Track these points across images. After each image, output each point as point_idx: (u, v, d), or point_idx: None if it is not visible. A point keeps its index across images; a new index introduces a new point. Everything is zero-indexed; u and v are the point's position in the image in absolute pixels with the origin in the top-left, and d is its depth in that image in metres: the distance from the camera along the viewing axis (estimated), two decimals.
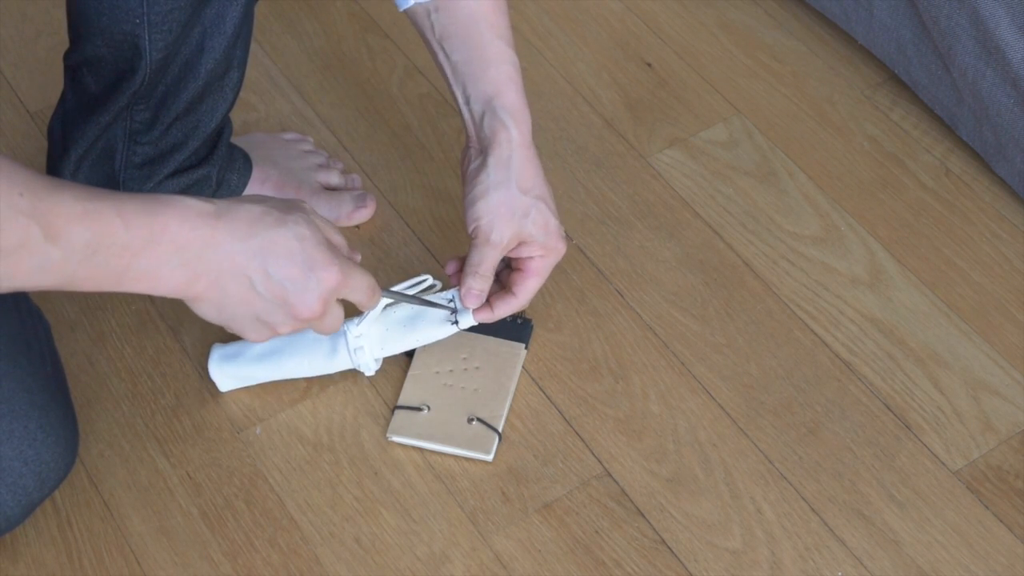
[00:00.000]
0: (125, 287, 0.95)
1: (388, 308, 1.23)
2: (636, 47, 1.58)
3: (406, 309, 1.23)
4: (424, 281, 1.24)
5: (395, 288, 1.22)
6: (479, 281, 1.19)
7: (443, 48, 1.18)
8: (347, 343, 1.22)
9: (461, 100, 1.19)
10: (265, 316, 1.03)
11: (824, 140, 1.48)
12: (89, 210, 0.90)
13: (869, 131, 1.49)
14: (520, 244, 1.19)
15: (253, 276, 1.00)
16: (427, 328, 1.23)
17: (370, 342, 1.23)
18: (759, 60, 1.57)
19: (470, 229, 1.19)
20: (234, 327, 1.04)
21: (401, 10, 1.19)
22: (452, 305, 1.22)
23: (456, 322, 1.23)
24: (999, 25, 1.32)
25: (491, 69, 1.17)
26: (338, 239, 1.07)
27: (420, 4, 1.17)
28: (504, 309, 1.21)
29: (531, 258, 1.20)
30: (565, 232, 1.39)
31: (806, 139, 1.48)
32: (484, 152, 1.18)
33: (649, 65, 1.57)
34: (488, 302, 1.21)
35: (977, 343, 1.30)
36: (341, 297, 1.06)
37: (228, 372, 1.25)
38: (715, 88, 1.54)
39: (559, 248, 1.20)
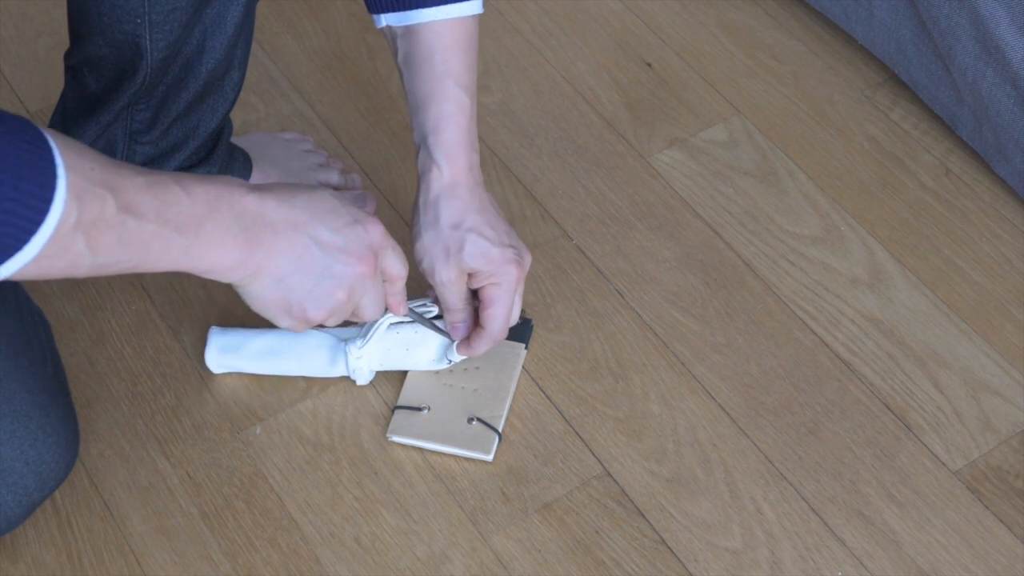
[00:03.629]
0: (194, 262, 0.95)
1: (392, 328, 1.23)
2: (636, 47, 1.58)
3: (408, 333, 1.23)
4: (424, 304, 1.24)
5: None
6: (453, 315, 1.21)
7: (403, 74, 1.19)
8: (347, 362, 1.23)
9: (412, 129, 1.20)
10: (326, 275, 1.03)
11: (824, 140, 1.48)
12: (151, 181, 0.91)
13: (869, 131, 1.49)
14: (470, 276, 1.19)
15: (308, 231, 1.01)
16: (423, 358, 1.24)
17: (369, 359, 1.24)
18: (759, 60, 1.57)
19: (419, 270, 1.20)
20: (292, 301, 1.03)
21: (377, 27, 1.19)
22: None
23: (450, 360, 1.24)
24: (999, 25, 1.32)
25: (432, 105, 1.17)
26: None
27: (389, 27, 1.18)
28: (481, 343, 1.22)
29: (484, 288, 1.20)
30: (568, 233, 1.40)
31: (806, 139, 1.48)
32: (417, 191, 1.19)
33: (649, 65, 1.57)
34: (468, 338, 1.22)
35: (977, 343, 1.30)
36: (383, 259, 1.07)
37: (224, 363, 1.26)
38: (715, 88, 1.54)
39: (510, 272, 1.19)
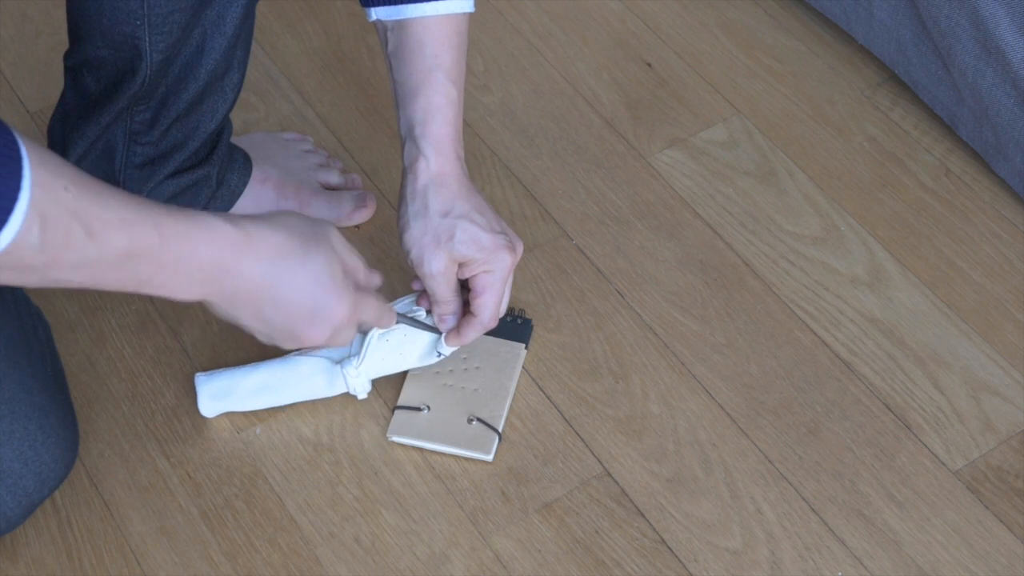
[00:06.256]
0: (143, 292, 0.96)
1: (382, 336, 1.22)
2: (636, 47, 1.58)
3: (397, 337, 1.22)
4: (409, 301, 1.23)
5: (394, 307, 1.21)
6: (441, 307, 1.20)
7: (391, 66, 1.19)
8: (346, 382, 1.23)
9: (398, 120, 1.20)
10: (271, 336, 1.05)
11: (824, 140, 1.48)
12: (128, 219, 0.90)
13: (869, 131, 1.49)
14: (461, 265, 1.18)
15: (263, 306, 1.02)
16: (415, 355, 1.24)
17: (367, 373, 1.23)
18: (759, 60, 1.57)
19: (408, 262, 1.19)
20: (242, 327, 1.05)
21: (369, 20, 1.19)
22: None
23: (440, 353, 1.23)
24: (999, 25, 1.32)
25: (420, 97, 1.16)
26: (355, 263, 1.08)
27: (380, 21, 1.18)
28: (471, 332, 1.21)
29: (476, 275, 1.18)
30: (568, 233, 1.40)
31: (806, 139, 1.48)
32: (403, 182, 1.18)
33: (649, 65, 1.57)
34: (457, 327, 1.21)
35: (977, 343, 1.30)
36: (361, 311, 1.08)
37: (219, 407, 1.25)
38: (715, 88, 1.54)
39: (503, 258, 1.17)
